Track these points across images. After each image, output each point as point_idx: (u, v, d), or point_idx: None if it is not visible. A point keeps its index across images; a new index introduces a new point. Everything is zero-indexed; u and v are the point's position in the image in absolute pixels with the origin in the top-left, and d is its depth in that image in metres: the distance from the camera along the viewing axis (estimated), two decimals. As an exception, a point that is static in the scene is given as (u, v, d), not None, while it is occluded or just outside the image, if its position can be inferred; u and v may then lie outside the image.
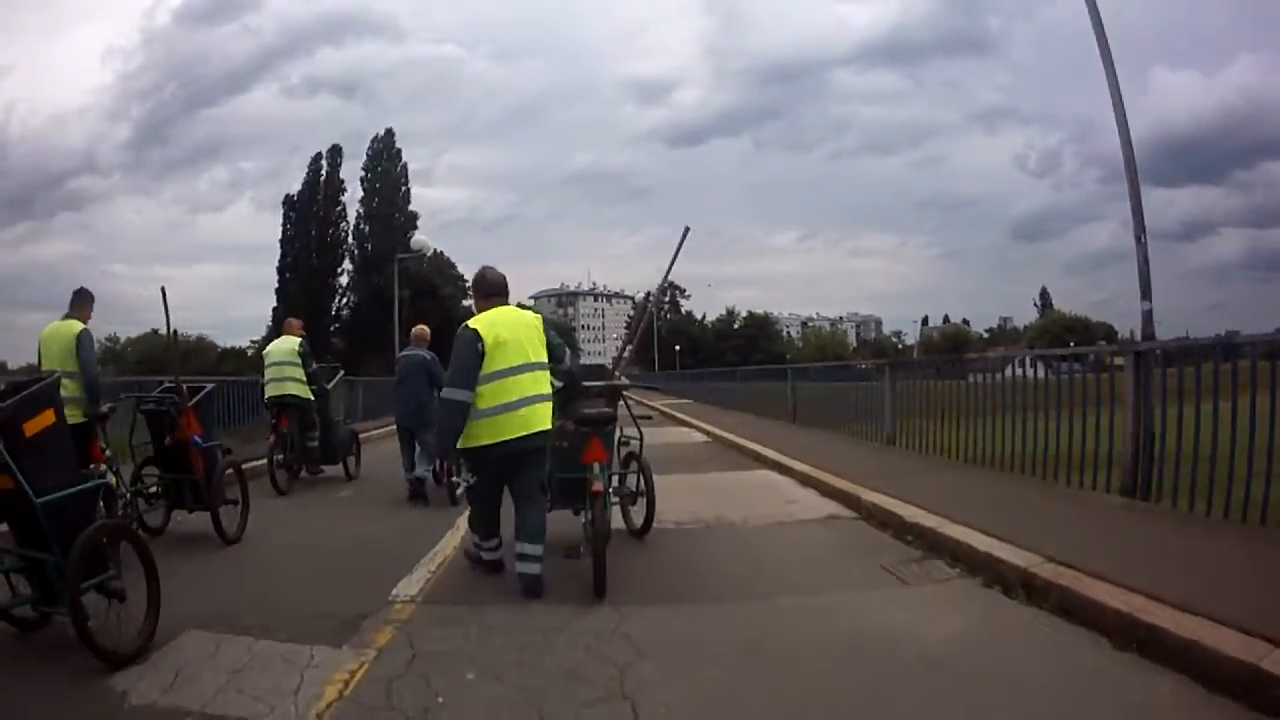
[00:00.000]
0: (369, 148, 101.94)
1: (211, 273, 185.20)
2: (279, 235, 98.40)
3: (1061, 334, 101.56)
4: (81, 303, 10.05)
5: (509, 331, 7.34)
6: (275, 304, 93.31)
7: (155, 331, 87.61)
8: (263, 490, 11.96)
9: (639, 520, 9.17)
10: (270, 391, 14.11)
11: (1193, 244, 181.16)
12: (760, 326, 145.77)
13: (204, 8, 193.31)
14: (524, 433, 7.21)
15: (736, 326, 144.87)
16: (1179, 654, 5.03)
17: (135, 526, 8.60)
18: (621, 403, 9.25)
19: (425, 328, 13.77)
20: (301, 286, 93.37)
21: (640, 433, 9.10)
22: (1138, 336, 10.60)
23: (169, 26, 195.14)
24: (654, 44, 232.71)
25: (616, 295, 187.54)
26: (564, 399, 8.06)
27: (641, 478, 9.14)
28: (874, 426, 16.50)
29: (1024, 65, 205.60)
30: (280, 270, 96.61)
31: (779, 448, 15.48)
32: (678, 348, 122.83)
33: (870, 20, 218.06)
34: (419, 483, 12.38)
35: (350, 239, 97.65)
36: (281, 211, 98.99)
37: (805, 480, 12.54)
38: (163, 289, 9.63)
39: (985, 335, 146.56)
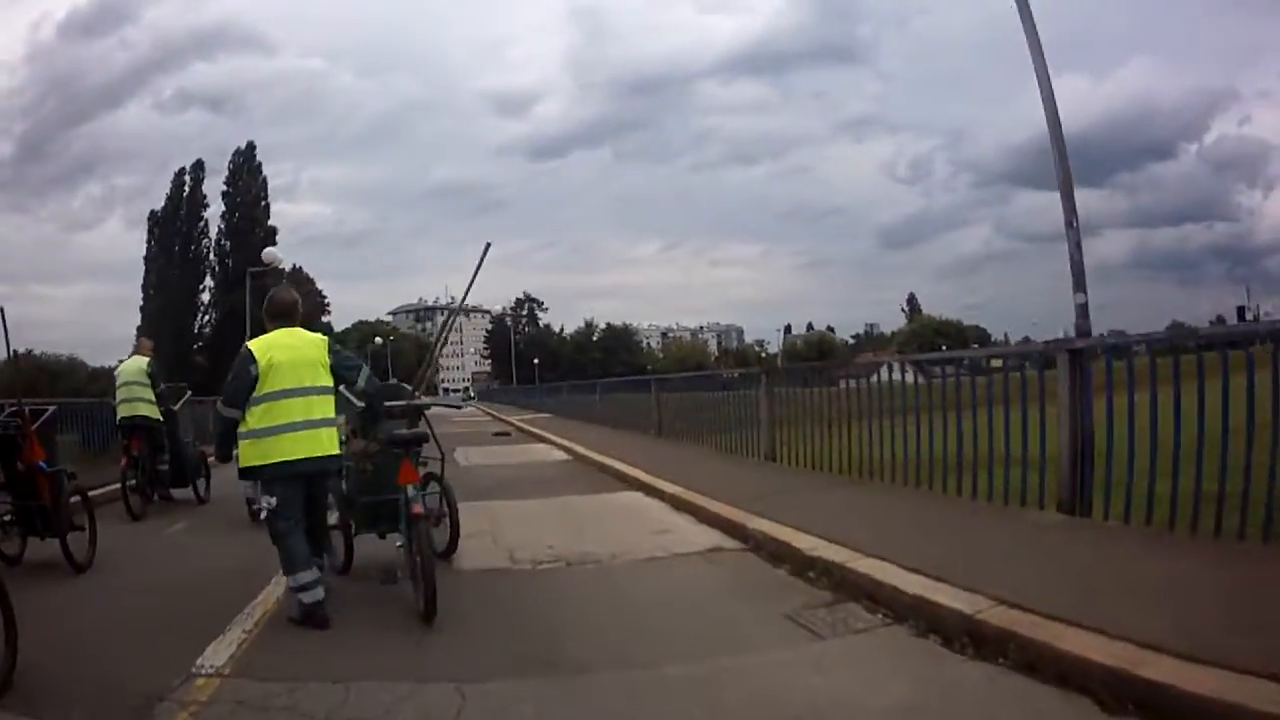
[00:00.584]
0: (230, 162, 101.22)
1: (85, 291, 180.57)
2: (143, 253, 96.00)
3: (933, 338, 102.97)
4: None
5: (285, 354, 7.24)
6: (139, 322, 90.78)
7: (29, 351, 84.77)
8: (118, 515, 11.92)
9: (442, 542, 8.58)
10: (122, 412, 13.64)
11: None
12: (619, 338, 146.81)
13: (85, 20, 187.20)
14: (302, 455, 7.10)
15: (596, 338, 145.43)
16: (1197, 716, 4.03)
17: None
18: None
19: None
20: (165, 304, 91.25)
21: (441, 452, 8.55)
22: (1012, 340, 9.60)
23: (52, 40, 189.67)
24: (517, 57, 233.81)
25: (475, 310, 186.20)
26: (366, 420, 8.14)
27: (443, 499, 8.70)
28: (749, 439, 15.13)
29: (894, 74, 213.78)
30: (144, 288, 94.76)
31: (646, 466, 14.13)
32: (536, 361, 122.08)
33: (736, 31, 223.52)
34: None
35: (211, 255, 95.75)
36: (146, 228, 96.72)
37: (678, 504, 11.08)
38: (0, 309, 9.33)
39: (851, 341, 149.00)
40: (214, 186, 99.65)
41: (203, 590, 7.88)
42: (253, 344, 7.36)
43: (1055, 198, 10.45)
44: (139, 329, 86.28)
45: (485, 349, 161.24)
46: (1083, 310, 9.91)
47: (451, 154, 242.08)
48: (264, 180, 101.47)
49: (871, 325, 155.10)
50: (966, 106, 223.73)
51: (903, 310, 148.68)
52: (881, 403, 11.35)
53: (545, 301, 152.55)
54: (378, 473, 8.01)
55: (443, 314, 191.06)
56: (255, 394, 7.13)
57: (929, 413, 10.24)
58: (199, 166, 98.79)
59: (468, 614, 6.78)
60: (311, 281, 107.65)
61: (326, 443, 7.27)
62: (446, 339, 11.05)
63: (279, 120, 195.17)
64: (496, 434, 30.25)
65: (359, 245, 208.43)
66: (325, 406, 7.35)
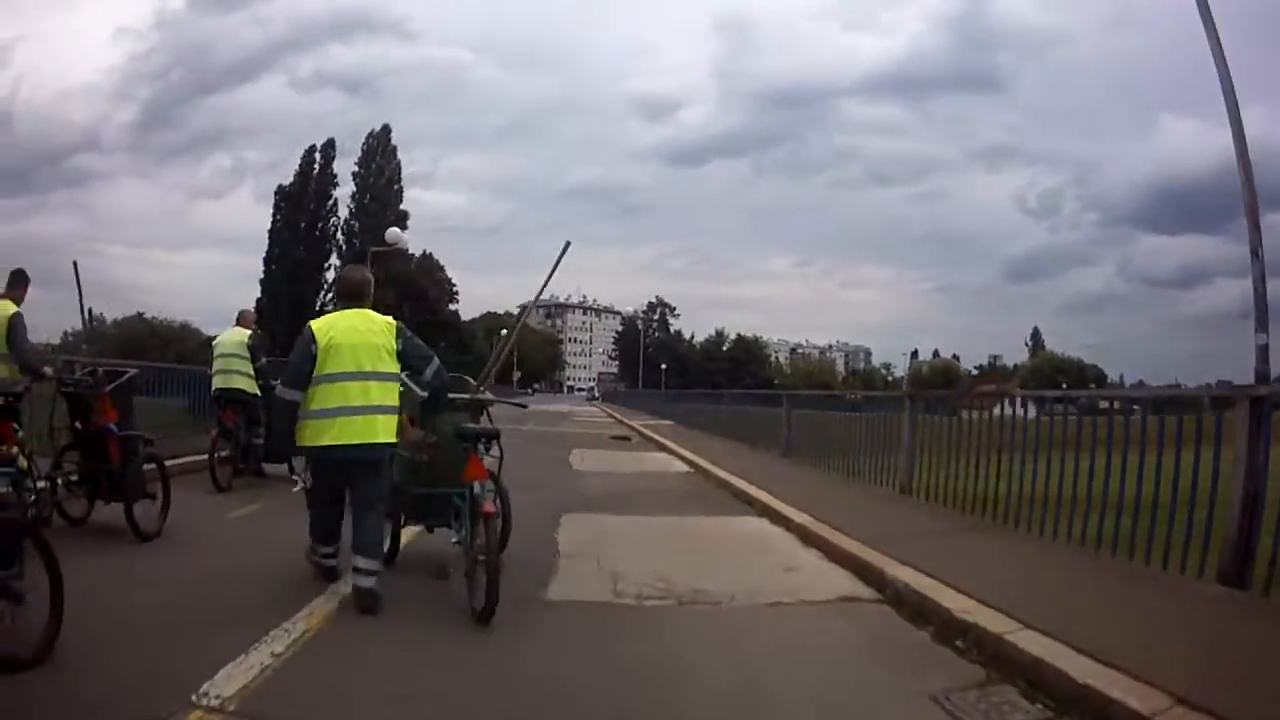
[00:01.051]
0: (364, 143, 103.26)
1: (206, 259, 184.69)
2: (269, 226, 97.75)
3: (1053, 375, 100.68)
4: (16, 282, 9.97)
5: (345, 336, 7.14)
6: (259, 294, 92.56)
7: (140, 314, 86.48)
8: (205, 485, 11.93)
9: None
10: (217, 383, 13.77)
11: (1186, 291, 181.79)
12: (749, 350, 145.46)
13: None
14: (356, 441, 7.03)
15: (725, 348, 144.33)
16: None
17: (49, 515, 8.76)
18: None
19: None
20: (286, 278, 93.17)
21: (501, 450, 7.89)
22: (1128, 381, 8.44)
23: (181, 10, 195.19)
24: (662, 62, 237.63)
25: (606, 310, 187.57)
26: (426, 411, 7.94)
27: (498, 499, 7.91)
28: (882, 467, 13.90)
29: (1029, 105, 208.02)
30: (266, 261, 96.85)
31: (772, 489, 13.11)
32: (664, 366, 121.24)
33: (878, 51, 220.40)
34: None
35: (339, 234, 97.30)
36: (273, 202, 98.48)
37: (807, 537, 9.93)
38: (74, 263, 9.74)
39: (974, 372, 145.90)
40: (346, 168, 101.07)
41: (251, 588, 7.17)
42: (314, 324, 7.29)
43: (1175, 242, 9.57)
44: (258, 301, 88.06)
45: (614, 350, 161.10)
46: (1263, 353, 9.17)
47: (591, 154, 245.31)
48: (398, 164, 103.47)
49: (995, 357, 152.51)
50: (1095, 143, 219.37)
51: (1026, 344, 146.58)
52: (1025, 437, 10.20)
53: (677, 307, 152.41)
54: (433, 465, 7.87)
55: (574, 311, 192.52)
56: (315, 374, 7.06)
57: (1074, 451, 9.15)
58: (330, 145, 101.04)
59: (551, 658, 5.84)
60: (441, 269, 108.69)
61: (381, 430, 7.14)
62: (513, 341, 10.01)
63: (417, 107, 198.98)
64: (616, 437, 29.64)
65: (492, 238, 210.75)
66: (385, 393, 7.23)
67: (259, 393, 13.45)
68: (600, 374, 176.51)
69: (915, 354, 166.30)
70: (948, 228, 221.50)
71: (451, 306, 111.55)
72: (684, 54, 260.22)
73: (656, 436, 28.42)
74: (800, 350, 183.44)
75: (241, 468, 13.22)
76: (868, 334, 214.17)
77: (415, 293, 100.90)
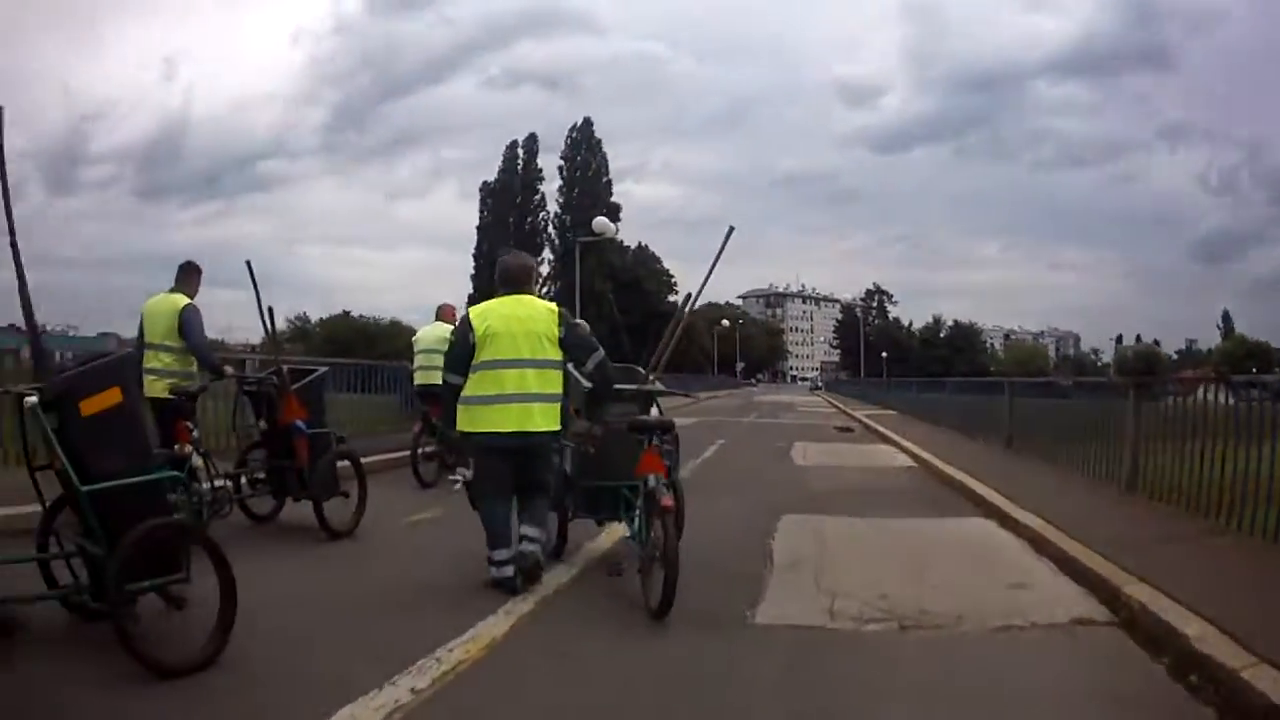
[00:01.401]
0: (567, 137, 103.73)
1: (412, 257, 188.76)
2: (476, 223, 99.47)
3: (1243, 360, 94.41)
4: (187, 276, 9.63)
5: (502, 324, 7.11)
6: (470, 290, 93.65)
7: (346, 313, 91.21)
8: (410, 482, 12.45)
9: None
10: (419, 379, 13.70)
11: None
12: (966, 337, 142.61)
13: None
14: (511, 429, 6.99)
15: (942, 335, 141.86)
16: None
17: (228, 512, 8.67)
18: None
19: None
20: None
21: (677, 443, 7.90)
22: None
23: (360, 14, 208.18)
24: (856, 49, 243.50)
25: (825, 299, 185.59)
26: (591, 402, 7.77)
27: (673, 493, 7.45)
28: (1105, 459, 12.91)
29: (1202, 82, 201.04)
30: (476, 257, 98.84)
31: (999, 485, 12.44)
32: (884, 354, 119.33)
33: (1057, 31, 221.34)
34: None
35: (550, 228, 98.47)
36: (479, 198, 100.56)
37: (1038, 544, 9.05)
38: (248, 262, 9.38)
39: (1174, 357, 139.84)
40: (552, 164, 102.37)
41: (418, 604, 6.71)
42: (472, 310, 7.33)
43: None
44: (470, 297, 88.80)
45: (834, 339, 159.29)
46: None
47: (797, 143, 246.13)
48: (604, 156, 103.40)
49: (1191, 341, 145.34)
50: (1262, 121, 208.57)
51: (1217, 327, 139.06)
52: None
53: (894, 294, 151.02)
54: (601, 457, 7.65)
55: (794, 300, 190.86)
56: (474, 361, 7.07)
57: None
58: (532, 140, 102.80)
59: (753, 687, 5.19)
60: (658, 261, 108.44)
61: (539, 418, 7.05)
62: (679, 328, 9.47)
63: (620, 101, 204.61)
64: (839, 429, 29.12)
65: (706, 229, 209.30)
66: (545, 380, 7.12)
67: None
68: (823, 363, 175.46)
69: (1120, 339, 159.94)
70: (1137, 209, 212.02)
71: (670, 298, 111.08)
72: (876, 40, 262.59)
73: (879, 428, 27.69)
74: (1013, 336, 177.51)
75: (450, 463, 12.59)
76: (1074, 318, 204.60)
77: (632, 285, 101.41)
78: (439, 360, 12.12)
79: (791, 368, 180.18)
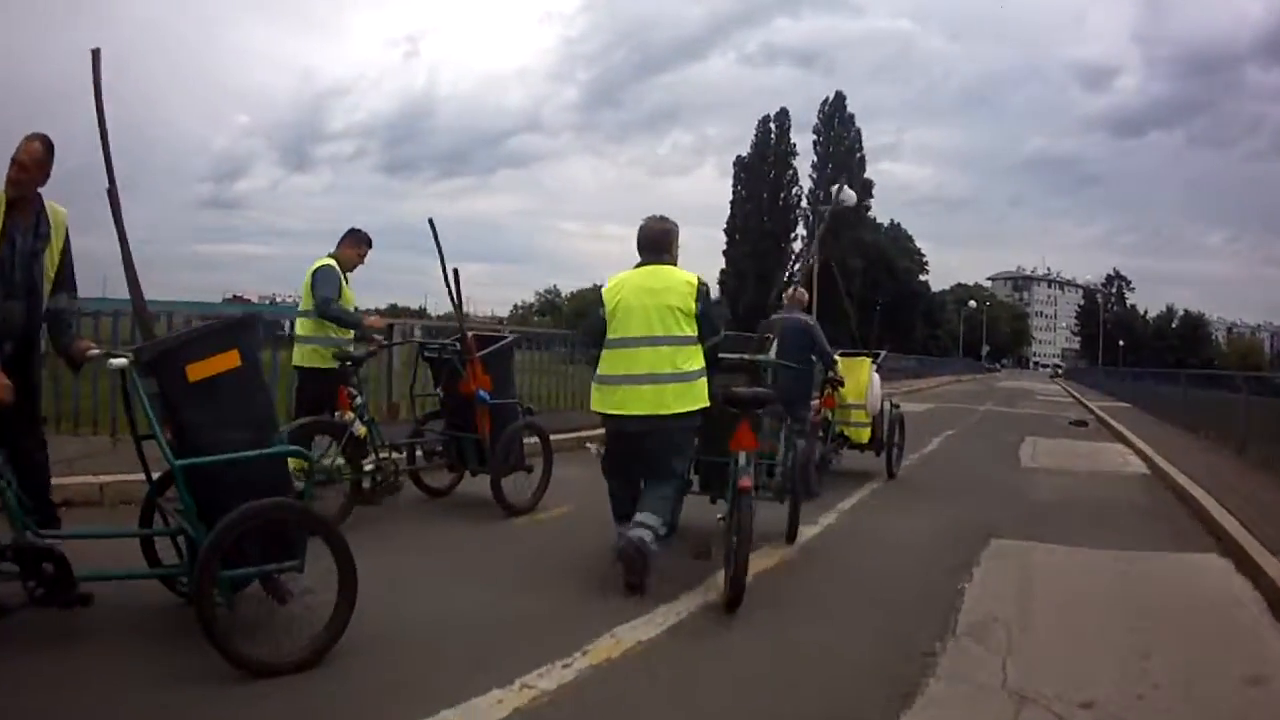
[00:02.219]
0: (819, 111, 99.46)
1: (691, 235, 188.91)
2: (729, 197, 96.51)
3: None
4: (344, 240, 8.74)
5: (635, 297, 6.36)
6: (723, 265, 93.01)
7: (596, 286, 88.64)
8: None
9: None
10: None
11: None
12: (1195, 328, 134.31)
13: None
14: (637, 412, 6.25)
15: (1174, 325, 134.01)
16: None
17: (397, 484, 8.14)
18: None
19: (804, 291, 11.96)
20: (751, 249, 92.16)
21: (786, 416, 7.85)
22: None
23: None
24: (1089, 28, 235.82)
25: (1069, 284, 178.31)
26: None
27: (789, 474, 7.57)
28: None
29: None
30: (728, 231, 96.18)
31: (1236, 507, 10.18)
32: (1121, 343, 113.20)
33: (1263, 13, 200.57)
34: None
35: (804, 203, 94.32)
36: (733, 174, 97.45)
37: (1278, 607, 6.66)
38: (430, 221, 8.51)
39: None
40: (807, 141, 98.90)
41: (526, 613, 5.67)
42: (609, 283, 6.68)
43: None
44: (722, 271, 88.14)
45: (1076, 325, 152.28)
46: None
47: (1043, 124, 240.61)
48: (857, 132, 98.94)
49: None
50: None
51: None
52: None
53: (1132, 280, 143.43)
54: (709, 430, 6.76)
55: (1039, 284, 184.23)
56: (607, 337, 6.45)
57: None
58: (784, 114, 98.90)
59: None
60: (910, 239, 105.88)
61: (672, 400, 6.24)
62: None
63: (874, 80, 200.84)
64: (1074, 422, 26.41)
65: (958, 210, 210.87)
66: (681, 358, 6.30)
67: None
68: (1064, 349, 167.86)
69: None
70: None
71: (921, 278, 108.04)
72: (1107, 18, 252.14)
73: (1113, 422, 25.07)
74: (1235, 329, 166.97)
75: None
76: None
77: (885, 263, 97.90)
78: None
79: (1035, 353, 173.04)
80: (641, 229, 6.67)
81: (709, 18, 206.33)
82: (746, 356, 7.80)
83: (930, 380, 54.03)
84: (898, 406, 13.01)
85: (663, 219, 6.74)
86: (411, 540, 7.36)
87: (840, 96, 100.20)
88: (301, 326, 8.60)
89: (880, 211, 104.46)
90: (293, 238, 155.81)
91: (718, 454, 6.74)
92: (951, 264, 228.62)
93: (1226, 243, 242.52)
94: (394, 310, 78.00)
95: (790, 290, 11.92)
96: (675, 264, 6.63)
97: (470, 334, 8.60)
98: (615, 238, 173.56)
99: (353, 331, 8.55)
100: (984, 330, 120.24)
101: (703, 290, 6.44)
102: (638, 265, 6.59)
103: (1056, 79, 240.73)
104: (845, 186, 38.48)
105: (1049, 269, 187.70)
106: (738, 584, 5.71)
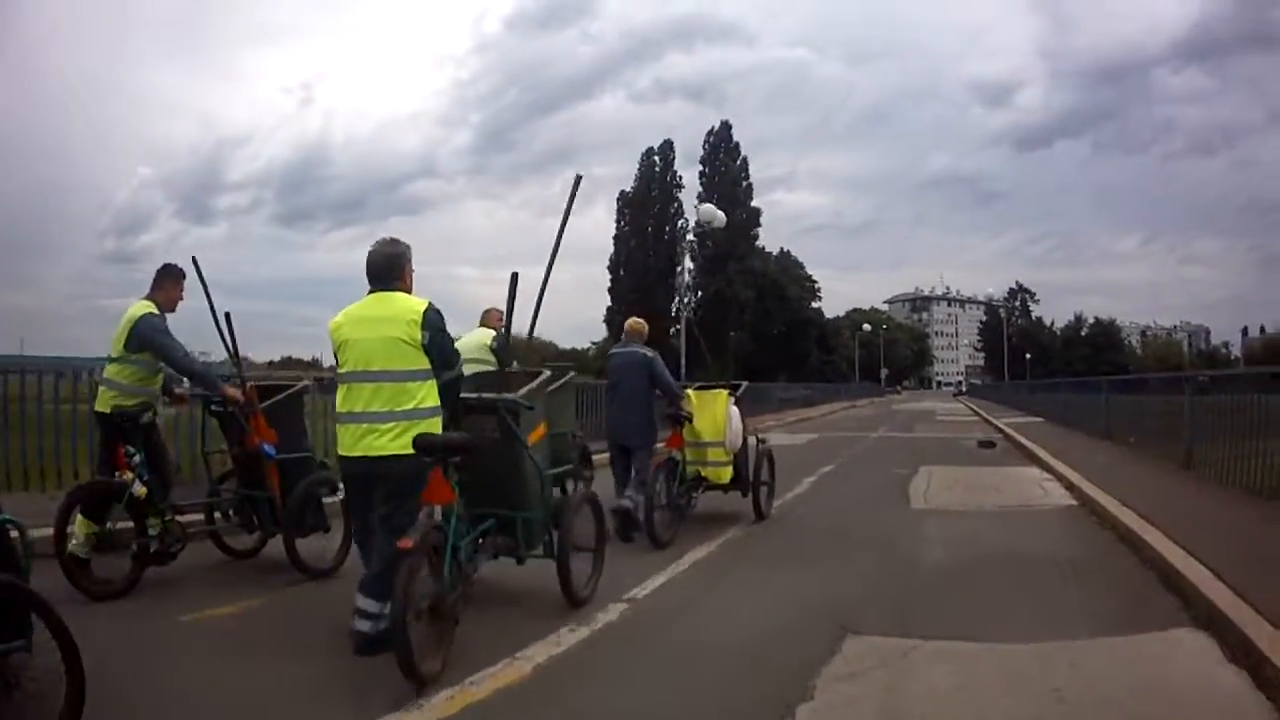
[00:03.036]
0: (704, 141, 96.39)
1: (564, 275, 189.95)
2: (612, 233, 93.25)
3: None
4: (160, 281, 7.94)
5: (355, 330, 5.86)
6: (609, 303, 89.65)
7: (228, 315, 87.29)
8: None
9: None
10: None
11: None
12: (1106, 335, 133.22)
13: (536, 14, 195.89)
14: (358, 454, 5.72)
15: (1084, 333, 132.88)
16: None
17: (178, 550, 7.56)
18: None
19: (642, 321, 11.06)
20: (635, 285, 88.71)
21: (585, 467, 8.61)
22: None
23: (500, 33, 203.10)
24: (991, 44, 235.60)
25: (969, 301, 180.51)
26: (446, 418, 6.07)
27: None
28: None
29: None
30: (613, 268, 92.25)
31: (1199, 547, 7.43)
32: (1028, 356, 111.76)
33: (1176, 16, 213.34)
34: (623, 515, 9.50)
35: (690, 237, 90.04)
36: (615, 209, 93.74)
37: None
38: (194, 259, 7.98)
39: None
40: (695, 175, 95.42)
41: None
42: (338, 315, 6.05)
43: None
44: (609, 309, 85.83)
45: (979, 341, 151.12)
46: None
47: (942, 142, 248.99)
48: (744, 160, 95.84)
49: None
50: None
51: None
52: None
53: (1037, 293, 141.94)
54: (466, 481, 5.99)
55: (939, 303, 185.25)
56: (338, 372, 6.02)
57: None
58: (668, 146, 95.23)
59: None
60: (801, 266, 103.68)
61: (389, 441, 5.61)
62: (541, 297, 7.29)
63: (767, 110, 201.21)
64: (981, 444, 23.31)
65: (857, 236, 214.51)
66: (404, 396, 5.70)
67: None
68: (967, 367, 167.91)
69: (1245, 331, 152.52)
70: (1263, 195, 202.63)
71: (814, 305, 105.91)
72: (1008, 34, 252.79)
73: (1024, 440, 22.28)
74: (1149, 332, 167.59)
75: None
76: (1205, 312, 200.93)
77: (776, 292, 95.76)
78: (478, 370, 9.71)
79: (937, 373, 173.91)
80: (369, 254, 6.04)
81: (600, 56, 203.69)
82: (487, 396, 6.72)
83: (821, 409, 50.76)
84: (764, 441, 11.80)
85: (393, 241, 6.13)
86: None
87: (726, 125, 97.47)
88: (106, 371, 7.87)
89: (778, 241, 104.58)
90: (193, 292, 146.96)
91: (476, 505, 6.29)
92: (853, 291, 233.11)
93: (1140, 246, 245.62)
94: (287, 362, 77.26)
95: (629, 322, 11.03)
96: (409, 291, 6.06)
97: (250, 384, 8.22)
98: (507, 282, 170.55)
99: (159, 382, 7.91)
100: (881, 353, 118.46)
101: (431, 318, 5.83)
102: (368, 294, 6.01)
103: (957, 96, 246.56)
104: (711, 207, 34.31)
105: (947, 287, 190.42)
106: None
